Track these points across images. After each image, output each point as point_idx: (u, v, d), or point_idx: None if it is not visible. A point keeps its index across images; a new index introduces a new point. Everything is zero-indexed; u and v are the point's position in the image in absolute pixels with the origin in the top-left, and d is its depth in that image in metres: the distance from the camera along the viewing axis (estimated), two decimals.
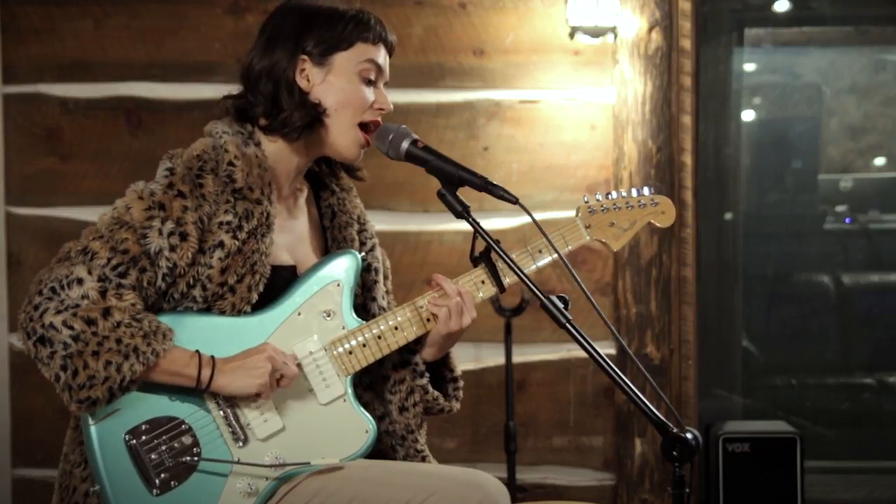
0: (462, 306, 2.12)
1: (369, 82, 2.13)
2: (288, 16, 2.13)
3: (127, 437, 1.96)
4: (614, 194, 2.25)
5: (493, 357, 3.85)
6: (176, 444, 1.98)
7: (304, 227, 2.21)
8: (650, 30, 3.82)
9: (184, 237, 1.96)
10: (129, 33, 3.88)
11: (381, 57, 2.14)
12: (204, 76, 3.84)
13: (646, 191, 2.26)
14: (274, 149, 2.12)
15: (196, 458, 1.99)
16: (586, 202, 2.24)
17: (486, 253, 2.12)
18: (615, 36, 3.82)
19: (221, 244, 2.00)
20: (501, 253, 2.04)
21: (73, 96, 3.88)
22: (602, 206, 2.23)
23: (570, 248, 2.21)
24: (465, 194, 2.05)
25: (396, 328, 2.12)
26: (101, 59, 3.88)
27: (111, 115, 3.87)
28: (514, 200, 2.00)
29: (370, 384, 2.23)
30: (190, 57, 3.87)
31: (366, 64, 2.11)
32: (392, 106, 2.16)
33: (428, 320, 2.14)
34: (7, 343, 3.82)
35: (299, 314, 2.08)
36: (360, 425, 2.08)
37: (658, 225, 2.26)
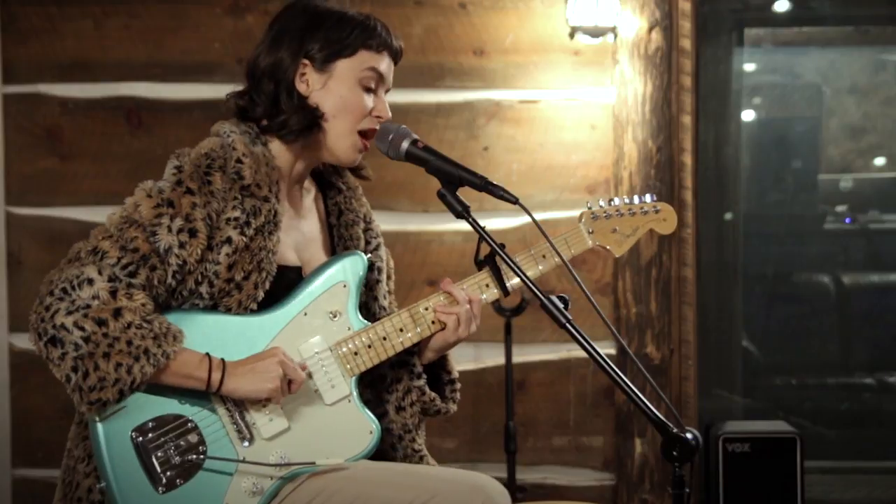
0: (472, 314, 2.13)
1: (369, 90, 2.13)
2: (296, 15, 2.13)
3: (133, 434, 1.96)
4: (617, 200, 2.27)
5: (493, 357, 3.85)
6: (182, 443, 1.98)
7: (314, 227, 2.22)
8: (650, 30, 3.82)
9: (193, 234, 1.97)
10: (129, 33, 3.88)
11: (384, 65, 2.14)
12: (204, 76, 3.84)
13: (647, 198, 2.30)
14: (279, 149, 2.13)
15: (202, 457, 1.99)
16: (589, 208, 2.26)
17: (490, 257, 2.13)
18: (615, 36, 3.82)
19: (229, 240, 2.00)
20: (505, 256, 2.04)
21: (73, 96, 3.88)
22: (605, 212, 2.26)
23: (573, 252, 2.23)
24: (465, 194, 2.05)
25: (402, 330, 2.13)
26: (101, 59, 3.88)
27: (111, 115, 3.87)
28: (514, 200, 2.00)
29: (370, 382, 2.23)
30: (190, 57, 3.87)
31: (367, 72, 2.11)
32: (390, 114, 2.16)
33: (433, 323, 2.14)
34: (7, 343, 3.81)
35: (305, 314, 2.09)
36: (365, 426, 2.09)
37: (660, 232, 2.31)
